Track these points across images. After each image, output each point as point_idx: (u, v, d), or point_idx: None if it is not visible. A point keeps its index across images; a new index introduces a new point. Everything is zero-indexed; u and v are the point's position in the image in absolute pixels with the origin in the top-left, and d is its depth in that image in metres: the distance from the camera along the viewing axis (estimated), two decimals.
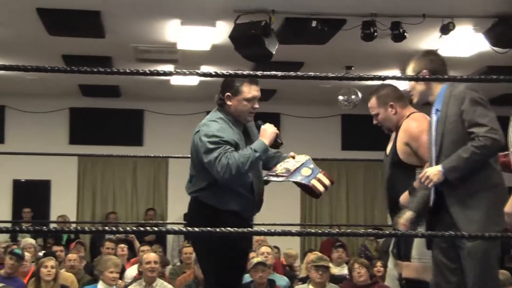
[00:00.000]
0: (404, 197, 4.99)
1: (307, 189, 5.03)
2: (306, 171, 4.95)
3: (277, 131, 4.93)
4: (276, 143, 4.93)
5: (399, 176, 5.07)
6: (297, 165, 4.98)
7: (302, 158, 5.04)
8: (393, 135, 5.26)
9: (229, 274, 4.93)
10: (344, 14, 8.98)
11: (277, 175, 5.04)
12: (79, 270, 9.34)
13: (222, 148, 4.70)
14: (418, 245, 4.97)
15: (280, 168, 5.06)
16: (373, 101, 5.27)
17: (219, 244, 4.78)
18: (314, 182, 4.90)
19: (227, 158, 4.65)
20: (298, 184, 5.04)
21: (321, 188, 4.90)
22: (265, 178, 5.09)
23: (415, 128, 5.04)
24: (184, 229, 3.80)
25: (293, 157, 5.08)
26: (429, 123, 4.87)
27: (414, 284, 5.04)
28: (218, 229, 3.91)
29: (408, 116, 5.16)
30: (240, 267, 5.05)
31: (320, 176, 4.92)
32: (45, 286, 7.87)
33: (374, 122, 5.35)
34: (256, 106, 4.96)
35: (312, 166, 4.97)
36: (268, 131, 4.90)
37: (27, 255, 9.08)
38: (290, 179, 4.97)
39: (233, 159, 4.65)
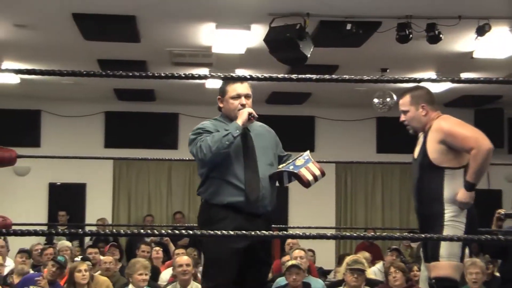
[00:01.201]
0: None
1: (297, 178, 5.14)
2: (299, 162, 5.11)
3: (251, 111, 5.09)
4: (250, 119, 5.10)
5: (428, 178, 5.08)
6: (294, 158, 5.18)
7: (303, 154, 5.21)
8: (420, 138, 5.26)
9: (214, 272, 5.00)
10: (379, 16, 8.94)
11: (277, 168, 5.21)
12: (115, 272, 9.37)
13: (203, 135, 5.04)
14: (446, 244, 4.98)
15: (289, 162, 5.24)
16: (406, 99, 5.33)
17: (209, 241, 5.03)
18: (303, 170, 5.04)
19: (201, 141, 4.97)
20: (290, 174, 5.15)
21: (309, 176, 5.03)
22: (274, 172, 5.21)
23: (446, 124, 5.12)
24: (219, 233, 3.80)
25: None
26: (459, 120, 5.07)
27: (443, 283, 5.02)
28: (253, 232, 3.92)
29: (437, 118, 5.21)
30: (230, 266, 5.00)
31: (310, 165, 5.06)
32: None
33: (401, 119, 5.40)
34: (243, 102, 5.15)
35: (307, 157, 5.12)
36: (242, 112, 5.10)
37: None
38: (284, 169, 5.13)
39: (205, 141, 4.95)
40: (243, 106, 5.14)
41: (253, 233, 4.00)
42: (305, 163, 5.07)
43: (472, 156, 4.88)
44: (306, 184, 5.08)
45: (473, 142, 4.89)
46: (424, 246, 5.27)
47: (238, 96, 5.16)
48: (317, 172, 5.05)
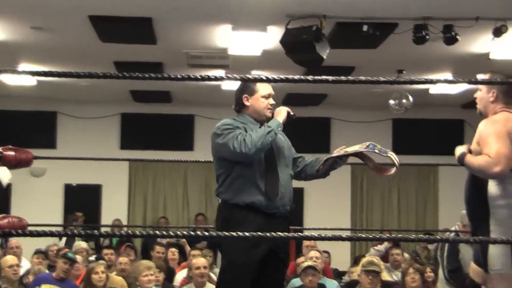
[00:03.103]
0: None
1: (377, 167, 5.17)
2: (378, 147, 5.02)
3: (289, 109, 5.14)
4: (289, 117, 5.14)
5: (475, 177, 4.90)
6: (366, 143, 5.08)
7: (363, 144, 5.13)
8: None
9: (234, 275, 4.98)
10: (396, 18, 8.92)
11: (345, 152, 5.14)
12: (130, 273, 9.39)
13: (239, 130, 5.04)
14: (494, 254, 4.78)
15: (343, 151, 5.16)
16: (487, 76, 5.10)
17: (229, 244, 5.02)
18: (391, 154, 4.94)
19: (243, 135, 4.96)
20: (363, 159, 5.15)
21: (395, 161, 4.90)
22: (331, 155, 5.21)
23: (487, 129, 4.84)
24: (235, 234, 3.81)
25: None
26: (511, 126, 4.80)
27: None
28: (268, 234, 3.92)
29: (496, 113, 4.97)
30: (250, 269, 4.98)
31: (392, 153, 4.96)
32: None
33: (475, 95, 5.21)
34: (273, 102, 5.22)
35: (379, 146, 5.03)
36: (280, 110, 5.14)
37: (79, 258, 9.18)
38: (365, 150, 5.06)
39: (248, 136, 4.94)
40: (272, 106, 5.20)
41: (268, 234, 3.99)
42: (384, 151, 4.98)
43: (483, 157, 4.66)
44: (387, 170, 5.08)
45: (493, 152, 4.63)
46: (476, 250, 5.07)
47: (269, 96, 5.21)
48: (398, 160, 4.93)
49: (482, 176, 4.76)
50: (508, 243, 4.57)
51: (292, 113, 5.15)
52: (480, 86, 5.16)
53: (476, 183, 4.90)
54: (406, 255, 10.90)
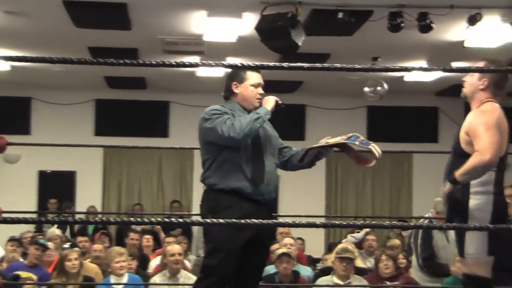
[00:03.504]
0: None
1: (356, 159, 5.23)
2: (360, 139, 5.06)
3: (277, 98, 5.18)
4: (278, 106, 5.17)
5: (459, 164, 4.98)
6: (349, 135, 5.12)
7: (348, 134, 5.17)
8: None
9: (219, 260, 4.98)
10: (371, 5, 8.93)
11: (326, 143, 5.19)
12: (105, 259, 9.37)
13: (225, 115, 5.03)
14: (471, 240, 4.92)
15: (325, 142, 5.21)
16: (481, 64, 5.13)
17: (215, 230, 5.00)
18: (373, 145, 4.99)
19: (232, 120, 4.96)
20: (345, 150, 5.20)
21: (376, 153, 4.96)
22: (311, 147, 5.25)
23: (476, 119, 4.98)
24: (209, 221, 3.82)
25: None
26: (498, 117, 4.94)
27: (471, 281, 4.99)
28: (243, 221, 3.92)
29: (482, 103, 5.07)
30: (235, 254, 5.01)
31: (374, 145, 5.00)
32: (69, 278, 7.90)
33: (463, 78, 5.27)
34: (262, 92, 5.24)
35: (361, 138, 5.07)
36: (269, 98, 5.18)
37: (52, 245, 9.14)
38: (348, 141, 5.10)
39: (237, 121, 4.96)
40: (261, 95, 5.21)
41: (242, 221, 3.98)
42: (367, 143, 5.02)
43: (472, 156, 4.81)
44: (369, 161, 5.15)
45: (481, 147, 4.79)
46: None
47: (258, 85, 5.23)
48: (379, 151, 4.99)
49: (482, 172, 4.87)
50: (481, 229, 4.65)
51: (280, 102, 5.17)
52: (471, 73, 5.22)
53: (459, 168, 4.97)
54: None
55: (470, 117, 5.03)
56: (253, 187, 5.04)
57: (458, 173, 4.87)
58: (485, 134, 4.84)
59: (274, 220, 5.16)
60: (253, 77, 5.20)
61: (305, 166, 5.37)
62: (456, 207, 4.99)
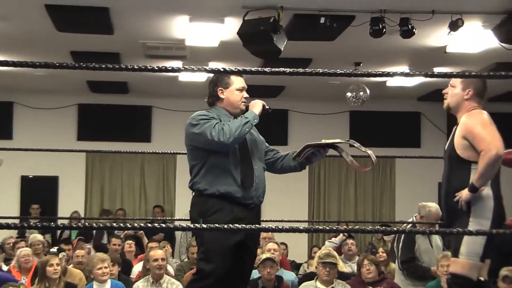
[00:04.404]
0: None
1: (354, 163, 5.22)
2: (356, 144, 5.12)
3: (264, 102, 5.23)
4: (264, 111, 5.22)
5: (456, 171, 5.10)
6: (345, 139, 5.21)
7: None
8: (453, 131, 5.26)
9: (212, 263, 4.98)
10: (353, 11, 8.95)
11: (325, 143, 5.21)
12: (87, 266, 9.34)
13: (213, 120, 5.04)
14: (467, 242, 4.98)
15: (325, 140, 5.24)
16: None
17: (207, 234, 5.01)
18: (370, 151, 5.05)
19: (221, 125, 4.97)
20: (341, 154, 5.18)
21: (374, 158, 5.03)
22: (308, 144, 5.27)
23: (470, 121, 5.09)
24: (192, 226, 3.81)
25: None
26: (489, 118, 5.07)
27: (458, 280, 5.04)
28: (226, 226, 3.93)
29: (469, 111, 5.18)
30: (227, 257, 5.02)
31: (370, 151, 5.07)
32: (50, 284, 7.86)
33: (444, 90, 5.37)
34: (246, 95, 5.27)
35: (357, 144, 5.13)
36: (255, 102, 5.21)
37: (28, 250, 9.07)
38: (349, 142, 5.16)
39: (226, 125, 4.96)
40: (246, 99, 5.25)
41: (225, 226, 3.98)
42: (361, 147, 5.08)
43: (480, 158, 4.91)
44: (365, 166, 5.19)
45: (485, 145, 4.91)
46: (448, 241, 5.30)
47: (243, 89, 5.25)
48: (374, 158, 5.06)
49: (495, 169, 4.98)
50: (472, 234, 4.71)
51: (267, 107, 5.22)
52: (454, 83, 5.30)
53: (457, 174, 5.10)
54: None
55: (464, 119, 5.14)
56: (242, 191, 5.06)
57: (475, 180, 4.94)
58: (483, 131, 4.98)
59: (257, 225, 5.15)
60: (238, 82, 5.22)
61: (297, 169, 5.44)
62: (457, 211, 5.05)
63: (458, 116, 5.24)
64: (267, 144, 5.48)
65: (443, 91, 5.37)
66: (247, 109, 5.21)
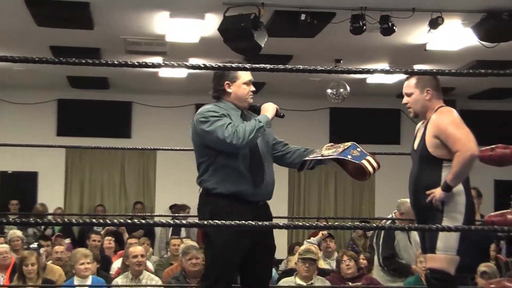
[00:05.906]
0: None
1: (354, 172, 5.19)
2: (355, 152, 5.05)
3: (277, 107, 5.24)
4: (277, 115, 5.24)
5: (427, 170, 5.13)
6: (345, 147, 5.10)
7: (347, 143, 5.16)
8: (421, 129, 5.29)
9: (221, 265, 4.95)
10: (334, 8, 8.96)
11: (322, 155, 5.15)
12: (66, 262, 9.31)
13: (226, 119, 4.94)
14: (443, 237, 5.02)
15: (324, 151, 5.18)
16: (412, 81, 5.35)
17: (217, 235, 4.91)
18: (365, 162, 4.99)
19: (234, 126, 4.87)
20: (342, 162, 5.17)
21: (370, 168, 4.99)
22: (307, 158, 5.22)
23: (442, 120, 5.11)
24: (171, 222, 3.81)
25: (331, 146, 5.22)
26: (457, 116, 5.11)
27: (436, 275, 5.07)
28: (220, 222, 3.90)
29: (437, 109, 5.21)
30: (237, 260, 5.00)
31: (369, 158, 5.02)
32: (28, 281, 7.84)
33: (404, 101, 5.44)
34: (253, 89, 5.24)
35: (359, 149, 5.07)
36: (269, 106, 5.22)
37: (5, 247, 9.02)
38: (340, 156, 5.07)
39: (240, 128, 4.87)
40: (254, 93, 5.22)
41: (219, 222, 3.97)
42: (361, 155, 5.03)
43: (455, 158, 4.94)
44: (365, 176, 5.11)
45: (460, 145, 4.94)
46: (422, 237, 5.30)
47: (249, 82, 5.21)
48: (375, 164, 5.02)
49: (470, 169, 5.01)
50: (452, 230, 4.75)
51: (280, 112, 5.23)
52: (408, 90, 5.38)
53: (428, 173, 5.14)
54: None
55: (434, 116, 5.17)
56: (253, 189, 5.00)
57: (449, 180, 4.97)
58: (457, 131, 5.00)
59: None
60: (245, 75, 5.17)
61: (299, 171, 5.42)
62: (430, 208, 5.08)
63: (426, 116, 5.27)
64: (275, 136, 5.42)
65: (403, 102, 5.43)
66: (253, 108, 5.21)
